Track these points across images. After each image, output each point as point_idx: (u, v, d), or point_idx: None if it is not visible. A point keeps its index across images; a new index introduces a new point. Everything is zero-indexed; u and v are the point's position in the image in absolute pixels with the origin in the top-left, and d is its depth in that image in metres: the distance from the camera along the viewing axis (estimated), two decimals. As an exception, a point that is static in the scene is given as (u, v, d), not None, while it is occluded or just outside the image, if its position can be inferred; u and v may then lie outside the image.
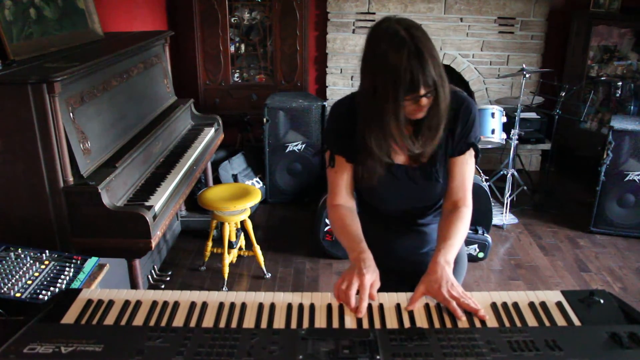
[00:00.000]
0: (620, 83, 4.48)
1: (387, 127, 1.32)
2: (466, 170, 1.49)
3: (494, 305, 1.23)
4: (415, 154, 1.44)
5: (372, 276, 1.29)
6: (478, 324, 1.16)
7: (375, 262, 1.36)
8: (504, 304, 1.23)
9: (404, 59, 1.23)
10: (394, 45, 1.25)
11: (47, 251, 1.79)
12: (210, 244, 3.30)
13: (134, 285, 2.33)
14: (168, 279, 3.18)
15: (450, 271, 1.31)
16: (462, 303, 1.21)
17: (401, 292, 1.29)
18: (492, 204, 3.65)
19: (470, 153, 1.49)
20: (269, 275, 3.32)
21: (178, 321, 1.17)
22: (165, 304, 1.22)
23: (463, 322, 1.17)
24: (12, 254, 1.74)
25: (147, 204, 2.32)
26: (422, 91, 1.27)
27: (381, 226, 1.61)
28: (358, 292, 1.25)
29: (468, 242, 3.40)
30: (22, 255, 1.74)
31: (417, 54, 1.23)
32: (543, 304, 1.22)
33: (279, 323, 1.16)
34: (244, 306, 1.21)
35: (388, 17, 1.32)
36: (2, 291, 1.57)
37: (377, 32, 1.30)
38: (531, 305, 1.22)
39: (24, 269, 1.68)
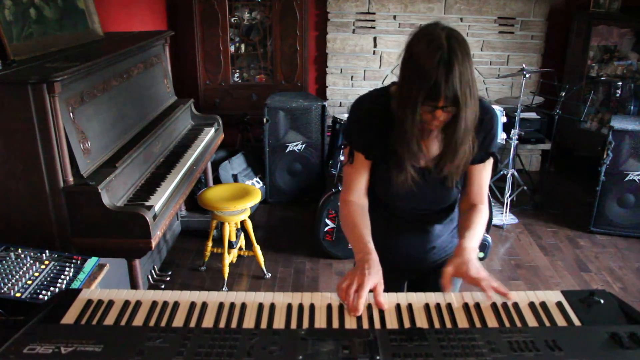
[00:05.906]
0: (620, 83, 4.47)
1: (406, 127, 1.33)
2: (485, 176, 1.53)
3: (494, 305, 1.23)
4: (435, 160, 1.45)
5: (374, 278, 1.28)
6: (478, 324, 1.16)
7: (378, 257, 1.36)
8: (504, 304, 1.23)
9: (434, 64, 1.22)
10: (429, 49, 1.24)
11: (47, 251, 1.79)
12: (210, 244, 3.30)
13: (134, 285, 2.33)
14: (168, 279, 3.17)
15: (476, 255, 1.35)
16: (491, 284, 1.25)
17: (402, 286, 1.29)
18: (492, 204, 3.65)
19: (490, 161, 1.52)
20: (269, 275, 3.32)
21: (178, 321, 1.17)
22: (165, 304, 1.22)
23: (462, 321, 1.17)
24: (12, 254, 1.74)
25: (147, 204, 2.32)
26: (441, 103, 1.25)
27: (388, 222, 1.61)
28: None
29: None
30: (22, 255, 1.74)
31: (447, 62, 1.22)
32: (543, 304, 1.22)
33: (279, 323, 1.16)
34: (244, 306, 1.21)
35: (437, 22, 1.31)
36: (2, 291, 1.57)
37: (421, 33, 1.30)
38: (531, 305, 1.22)
39: (24, 269, 1.68)
